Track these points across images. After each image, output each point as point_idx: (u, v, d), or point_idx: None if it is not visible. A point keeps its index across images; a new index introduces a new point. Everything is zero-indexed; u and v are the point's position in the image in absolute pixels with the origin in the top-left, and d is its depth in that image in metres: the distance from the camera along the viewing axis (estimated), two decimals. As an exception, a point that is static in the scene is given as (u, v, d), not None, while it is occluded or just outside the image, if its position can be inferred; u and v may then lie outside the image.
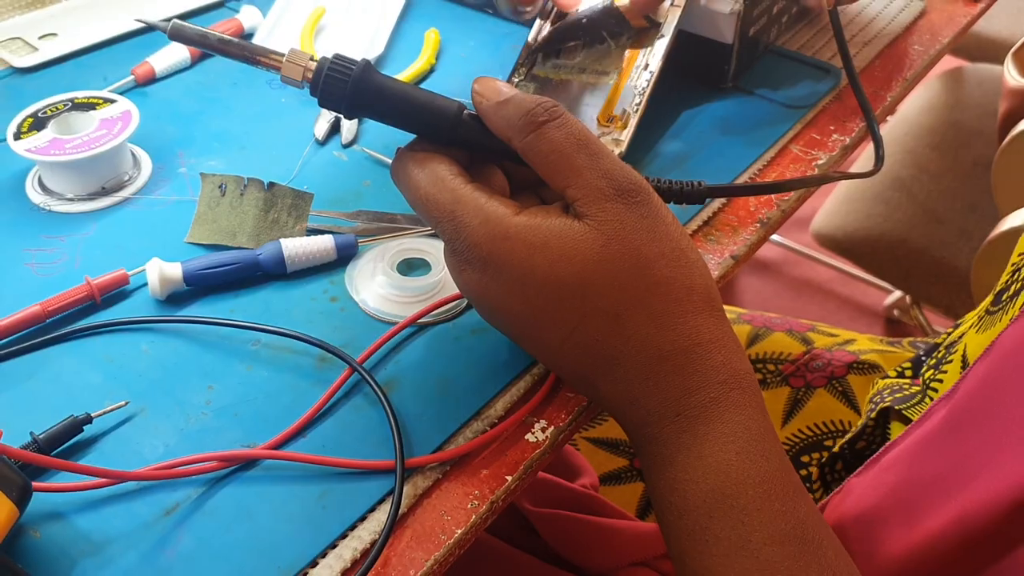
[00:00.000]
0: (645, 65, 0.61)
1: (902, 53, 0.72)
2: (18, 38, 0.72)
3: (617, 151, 0.59)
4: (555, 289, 0.42)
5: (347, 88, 0.43)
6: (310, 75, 0.43)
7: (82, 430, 0.44)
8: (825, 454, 0.68)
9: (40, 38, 0.72)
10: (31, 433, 0.43)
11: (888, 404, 0.57)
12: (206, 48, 0.43)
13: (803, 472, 0.68)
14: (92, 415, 0.44)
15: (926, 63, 0.71)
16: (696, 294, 0.42)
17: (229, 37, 0.43)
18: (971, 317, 0.57)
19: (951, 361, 0.54)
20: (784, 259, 1.93)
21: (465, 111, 0.45)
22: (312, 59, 0.43)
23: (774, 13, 0.69)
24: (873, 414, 0.58)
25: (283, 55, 0.43)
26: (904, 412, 0.55)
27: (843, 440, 0.62)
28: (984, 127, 1.35)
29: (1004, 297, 0.51)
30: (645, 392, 0.42)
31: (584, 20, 0.62)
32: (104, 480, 0.42)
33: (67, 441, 0.44)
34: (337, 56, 0.43)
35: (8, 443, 0.40)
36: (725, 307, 0.81)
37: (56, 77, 0.68)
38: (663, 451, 0.42)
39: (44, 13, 0.75)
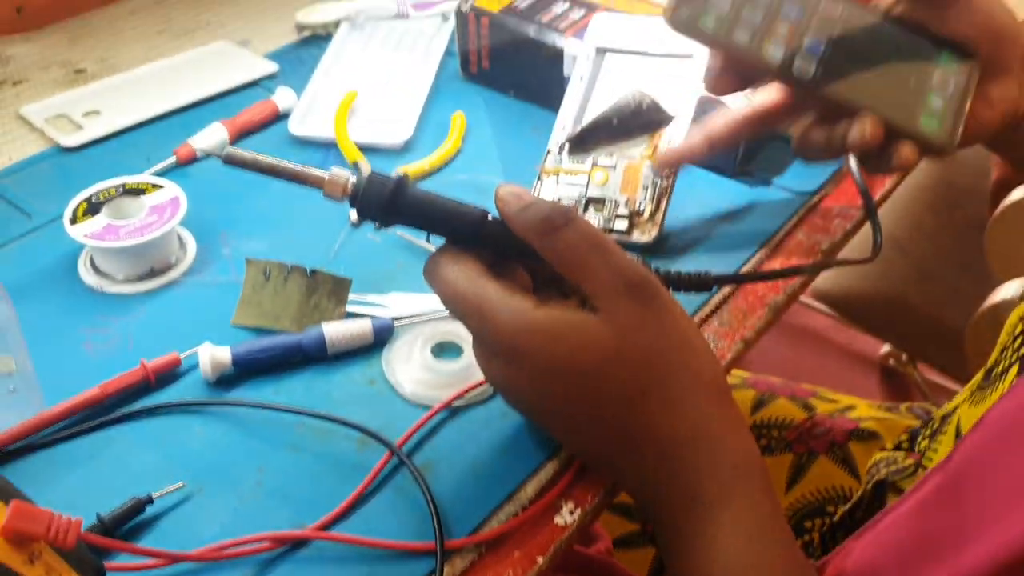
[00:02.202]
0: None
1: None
2: (64, 115, 0.76)
3: (654, 234, 0.62)
4: (574, 378, 0.45)
5: (383, 203, 0.47)
6: (349, 191, 0.47)
7: (144, 510, 0.47)
8: (827, 520, 0.72)
9: (84, 115, 0.76)
10: (97, 514, 0.46)
11: (883, 477, 0.61)
12: (258, 171, 0.47)
13: (805, 537, 0.71)
14: (153, 496, 0.48)
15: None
16: (705, 382, 0.46)
17: (277, 162, 0.47)
18: (965, 392, 0.60)
19: (945, 432, 0.57)
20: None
21: (489, 216, 0.49)
22: (350, 177, 0.47)
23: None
24: (869, 486, 0.62)
25: (325, 175, 0.47)
26: (898, 484, 0.59)
27: (843, 509, 0.65)
28: (977, 186, 1.39)
29: (993, 375, 0.55)
30: (661, 476, 0.45)
31: (614, 120, 0.66)
32: (162, 561, 0.45)
33: (130, 521, 0.47)
34: (373, 174, 0.47)
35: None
36: (735, 371, 0.85)
37: (101, 155, 0.72)
38: (678, 534, 0.45)
39: (87, 90, 0.79)
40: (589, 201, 0.65)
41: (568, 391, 0.46)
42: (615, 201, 0.64)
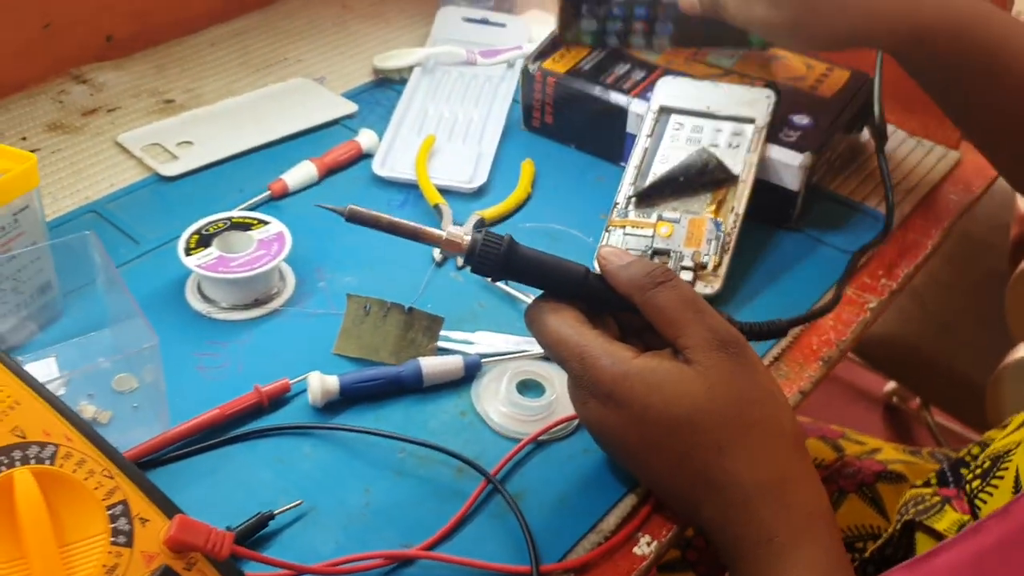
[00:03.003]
0: (732, 208, 0.71)
1: (940, 202, 0.82)
2: (157, 144, 0.81)
3: (718, 286, 0.68)
4: (668, 423, 0.51)
5: (498, 262, 0.52)
6: (466, 249, 0.52)
7: (267, 525, 0.52)
8: (856, 556, 0.77)
9: (177, 145, 0.81)
10: (227, 526, 0.51)
11: (911, 517, 0.66)
12: (379, 229, 0.52)
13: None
14: (275, 512, 0.52)
15: (960, 212, 0.81)
16: (786, 433, 0.52)
17: (398, 220, 0.52)
18: (1018, 436, 0.64)
19: (1002, 477, 0.61)
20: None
21: (590, 272, 0.54)
22: (466, 236, 0.52)
23: (832, 161, 0.79)
24: (898, 525, 0.67)
25: (443, 234, 0.52)
26: (924, 523, 0.64)
27: (875, 546, 0.70)
28: (995, 240, 1.45)
29: None
30: (742, 518, 0.50)
31: (681, 179, 0.71)
32: (290, 573, 0.50)
33: (256, 533, 0.52)
34: (487, 234, 0.52)
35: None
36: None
37: (197, 185, 0.77)
38: (755, 572, 0.50)
39: (177, 120, 0.84)
40: (655, 253, 0.70)
41: (661, 437, 0.51)
42: (680, 253, 0.70)
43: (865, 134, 0.85)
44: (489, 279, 0.53)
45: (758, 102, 0.75)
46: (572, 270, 0.54)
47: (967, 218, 0.76)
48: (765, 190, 0.74)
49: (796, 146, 0.74)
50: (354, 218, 0.52)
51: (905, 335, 1.32)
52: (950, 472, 0.70)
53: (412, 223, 0.53)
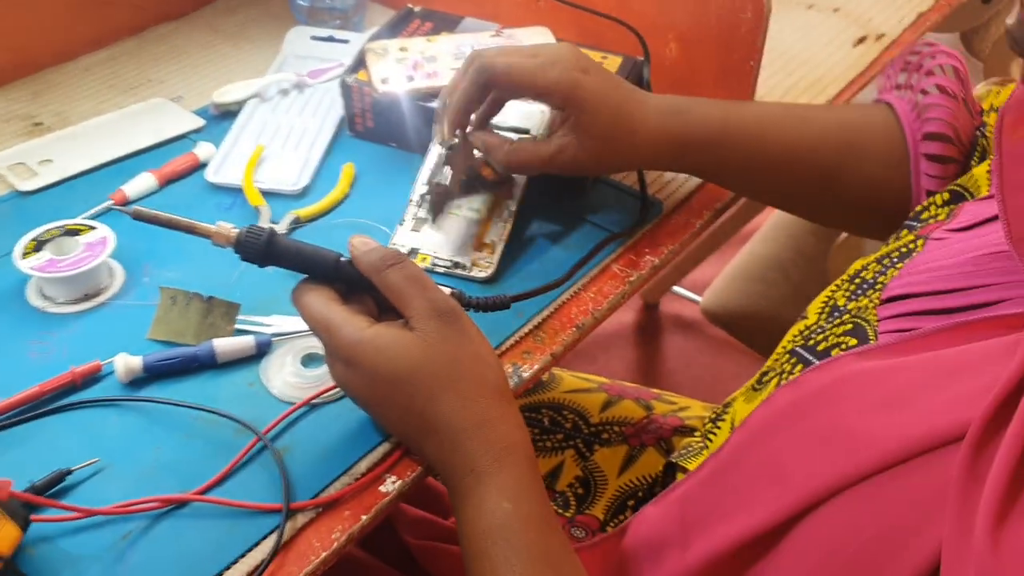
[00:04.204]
0: (507, 207, 0.81)
1: (716, 187, 0.92)
2: (22, 163, 0.91)
3: (490, 271, 0.79)
4: (392, 379, 0.61)
5: (259, 251, 0.63)
6: (233, 241, 0.63)
7: (64, 479, 0.63)
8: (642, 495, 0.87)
9: (39, 163, 0.91)
10: (30, 481, 0.62)
11: (672, 459, 0.77)
12: (159, 224, 0.62)
13: (628, 513, 0.87)
14: (72, 469, 0.63)
15: (733, 196, 0.92)
16: (489, 385, 0.62)
17: (176, 217, 0.63)
18: (744, 387, 0.75)
19: (725, 420, 0.73)
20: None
21: (341, 258, 0.65)
22: (233, 229, 0.63)
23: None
24: (661, 467, 0.78)
25: (213, 228, 0.62)
26: (679, 463, 0.74)
27: (646, 489, 0.81)
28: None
29: (764, 379, 0.70)
30: (453, 452, 0.61)
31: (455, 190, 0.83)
32: (79, 514, 0.61)
33: (55, 487, 0.63)
34: (250, 227, 0.63)
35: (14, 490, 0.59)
36: (592, 377, 1.01)
37: (51, 199, 0.88)
38: (460, 498, 0.61)
39: (43, 141, 0.94)
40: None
41: (388, 389, 0.62)
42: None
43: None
44: (258, 265, 0.64)
45: (534, 115, 0.85)
46: (325, 257, 0.65)
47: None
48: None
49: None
50: (139, 217, 0.63)
51: (768, 308, 1.42)
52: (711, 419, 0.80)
53: (188, 220, 0.63)
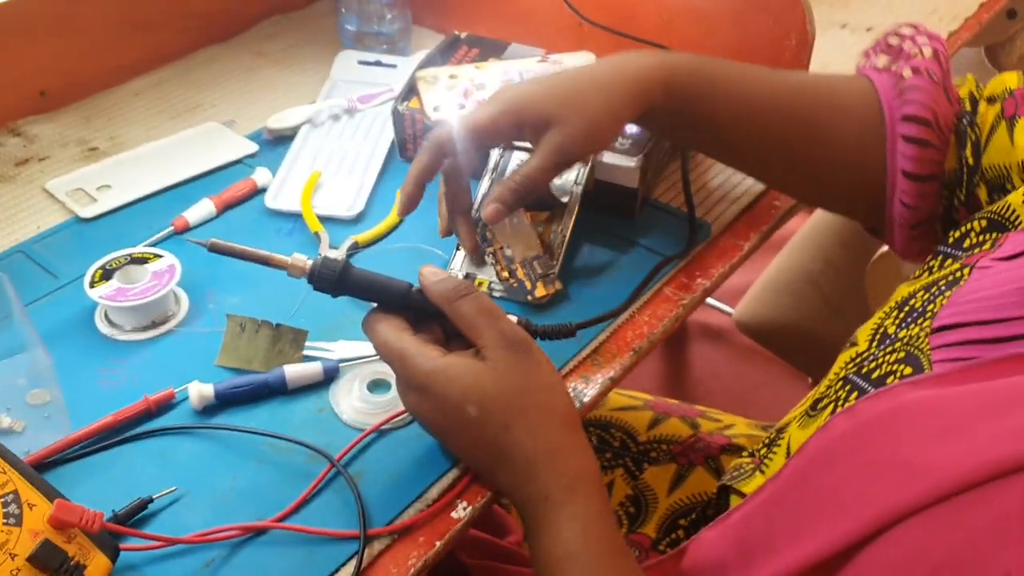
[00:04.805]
0: (560, 229, 0.83)
1: (762, 209, 0.94)
2: (80, 189, 0.93)
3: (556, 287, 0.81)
4: (465, 407, 0.63)
5: (333, 282, 0.64)
6: (308, 272, 0.64)
7: (147, 507, 0.64)
8: (695, 516, 0.89)
9: (97, 189, 0.93)
10: (112, 510, 0.63)
11: (726, 482, 0.78)
12: (234, 256, 0.64)
13: (679, 532, 0.88)
14: (153, 497, 0.65)
15: (779, 217, 0.93)
16: (559, 414, 0.64)
17: (252, 249, 0.64)
18: (797, 411, 0.76)
19: (780, 445, 0.74)
20: (733, 327, 2.14)
21: (413, 288, 0.66)
22: (307, 261, 0.64)
23: (658, 166, 0.92)
24: (714, 489, 0.79)
25: (288, 259, 0.64)
26: (734, 486, 0.76)
27: (699, 510, 0.83)
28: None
29: (819, 406, 0.72)
30: (525, 480, 0.63)
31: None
32: (162, 543, 0.62)
33: (137, 515, 0.64)
34: (324, 258, 0.64)
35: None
36: (636, 394, 1.03)
37: (112, 225, 0.89)
38: (534, 525, 0.62)
39: (99, 167, 0.96)
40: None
41: (459, 417, 0.63)
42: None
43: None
44: (331, 295, 0.65)
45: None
46: (396, 287, 0.66)
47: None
48: (607, 191, 0.87)
49: (629, 152, 0.86)
50: (215, 249, 0.64)
51: (800, 320, 1.44)
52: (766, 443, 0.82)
53: (263, 251, 0.65)
